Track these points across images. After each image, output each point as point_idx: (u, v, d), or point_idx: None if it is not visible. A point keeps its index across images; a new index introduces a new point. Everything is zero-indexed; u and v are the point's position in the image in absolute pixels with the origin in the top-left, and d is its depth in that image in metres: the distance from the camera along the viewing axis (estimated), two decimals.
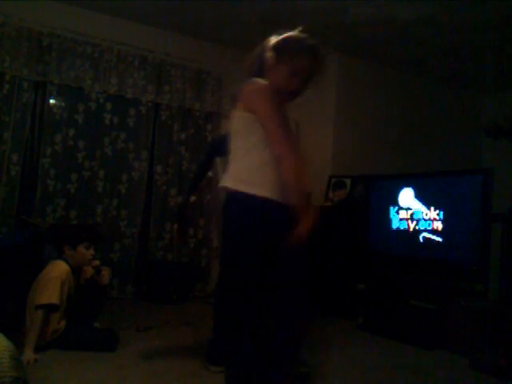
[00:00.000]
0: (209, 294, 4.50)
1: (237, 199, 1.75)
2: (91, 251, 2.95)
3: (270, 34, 1.86)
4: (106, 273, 3.06)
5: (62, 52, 4.05)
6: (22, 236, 3.44)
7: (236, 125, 1.82)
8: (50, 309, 2.71)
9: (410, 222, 3.78)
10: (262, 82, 1.76)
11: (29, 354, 2.53)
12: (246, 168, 1.77)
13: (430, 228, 3.63)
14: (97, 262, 3.04)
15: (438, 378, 2.79)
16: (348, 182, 4.57)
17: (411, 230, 3.76)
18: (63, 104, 4.15)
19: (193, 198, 2.93)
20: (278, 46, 1.81)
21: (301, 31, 1.84)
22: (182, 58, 4.59)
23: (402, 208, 3.84)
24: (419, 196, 3.74)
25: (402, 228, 3.83)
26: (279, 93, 1.77)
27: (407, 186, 3.83)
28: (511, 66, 4.68)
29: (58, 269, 2.83)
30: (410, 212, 3.78)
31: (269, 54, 1.81)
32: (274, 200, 1.73)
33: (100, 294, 3.08)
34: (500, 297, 3.28)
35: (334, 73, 4.82)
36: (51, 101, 4.11)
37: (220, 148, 2.34)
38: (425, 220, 3.67)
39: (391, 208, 3.92)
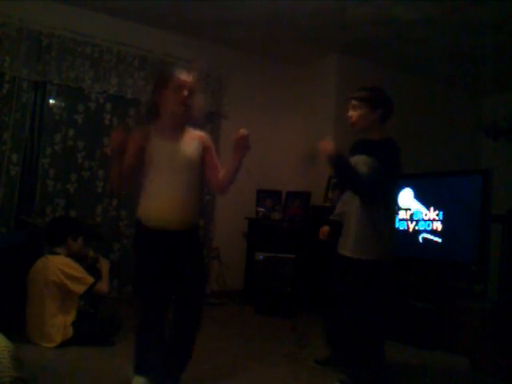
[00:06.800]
0: (208, 293, 4.49)
1: None
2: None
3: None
4: (104, 263, 3.26)
5: (61, 52, 4.04)
6: (22, 236, 3.43)
7: None
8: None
9: (409, 222, 3.78)
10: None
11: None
12: None
13: (429, 228, 3.63)
14: (92, 253, 3.28)
15: (438, 377, 2.79)
16: None
17: (411, 230, 3.76)
18: (63, 104, 4.15)
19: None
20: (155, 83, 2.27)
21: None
22: (182, 59, 4.58)
23: (401, 208, 3.84)
24: (419, 196, 3.74)
25: (401, 228, 3.83)
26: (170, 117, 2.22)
27: (407, 186, 3.83)
28: (511, 66, 4.68)
29: (68, 260, 3.01)
30: (409, 212, 3.78)
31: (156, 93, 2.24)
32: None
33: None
34: (500, 297, 3.28)
35: (333, 73, 4.82)
36: (51, 101, 4.11)
37: None
38: (424, 220, 3.67)
39: None
